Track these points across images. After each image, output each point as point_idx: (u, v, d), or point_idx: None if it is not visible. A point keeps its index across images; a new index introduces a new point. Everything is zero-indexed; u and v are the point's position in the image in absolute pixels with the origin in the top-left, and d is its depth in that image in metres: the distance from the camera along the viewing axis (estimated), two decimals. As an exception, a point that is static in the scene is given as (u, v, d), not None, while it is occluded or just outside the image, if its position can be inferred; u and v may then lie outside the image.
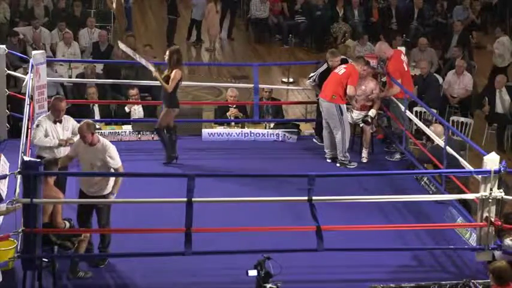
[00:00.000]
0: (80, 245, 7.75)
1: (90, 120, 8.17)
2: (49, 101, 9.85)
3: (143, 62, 10.63)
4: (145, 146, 10.81)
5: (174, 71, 10.24)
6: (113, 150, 7.97)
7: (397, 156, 11.08)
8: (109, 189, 8.01)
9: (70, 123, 8.98)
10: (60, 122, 8.91)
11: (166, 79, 10.28)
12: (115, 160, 7.97)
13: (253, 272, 6.69)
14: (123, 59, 13.45)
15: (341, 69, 10.77)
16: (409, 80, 11.22)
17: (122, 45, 11.20)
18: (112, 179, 8.02)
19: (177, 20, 18.90)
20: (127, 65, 13.07)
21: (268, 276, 6.65)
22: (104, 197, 7.99)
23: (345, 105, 10.68)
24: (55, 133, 8.84)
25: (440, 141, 9.66)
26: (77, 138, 8.44)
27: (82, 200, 8.06)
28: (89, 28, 16.08)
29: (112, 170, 8.02)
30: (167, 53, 10.47)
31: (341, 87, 10.60)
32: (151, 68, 10.47)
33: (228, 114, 11.96)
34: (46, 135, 8.81)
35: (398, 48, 11.85)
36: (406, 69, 11.18)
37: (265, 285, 6.62)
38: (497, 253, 8.15)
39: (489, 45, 16.32)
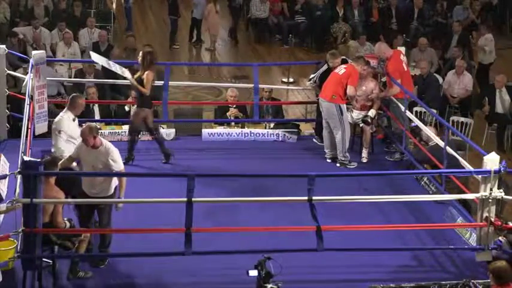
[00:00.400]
0: (80, 245, 7.76)
1: (92, 124, 8.14)
2: (53, 100, 9.81)
3: (118, 69, 10.58)
4: (145, 146, 10.79)
5: (146, 73, 10.18)
6: (115, 153, 7.96)
7: (397, 156, 11.08)
8: (111, 190, 8.00)
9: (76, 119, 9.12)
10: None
11: (140, 81, 10.23)
12: (117, 163, 7.96)
13: (253, 272, 6.69)
14: (122, 59, 13.43)
15: (341, 69, 10.76)
16: (408, 80, 11.21)
17: (93, 55, 11.09)
18: (114, 181, 8.02)
19: (178, 20, 18.91)
20: (126, 65, 13.03)
21: (269, 276, 6.64)
22: (106, 198, 7.97)
23: (345, 105, 10.67)
24: (74, 132, 8.89)
25: (439, 141, 9.65)
26: None
27: (82, 200, 8.04)
28: (89, 28, 16.09)
29: (114, 173, 8.03)
30: (140, 54, 10.45)
31: (341, 87, 10.60)
32: (127, 75, 10.40)
33: (228, 114, 11.95)
34: (69, 137, 8.87)
35: (398, 48, 11.86)
36: (405, 69, 11.18)
37: (265, 285, 6.61)
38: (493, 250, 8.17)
39: (476, 43, 16.33)
